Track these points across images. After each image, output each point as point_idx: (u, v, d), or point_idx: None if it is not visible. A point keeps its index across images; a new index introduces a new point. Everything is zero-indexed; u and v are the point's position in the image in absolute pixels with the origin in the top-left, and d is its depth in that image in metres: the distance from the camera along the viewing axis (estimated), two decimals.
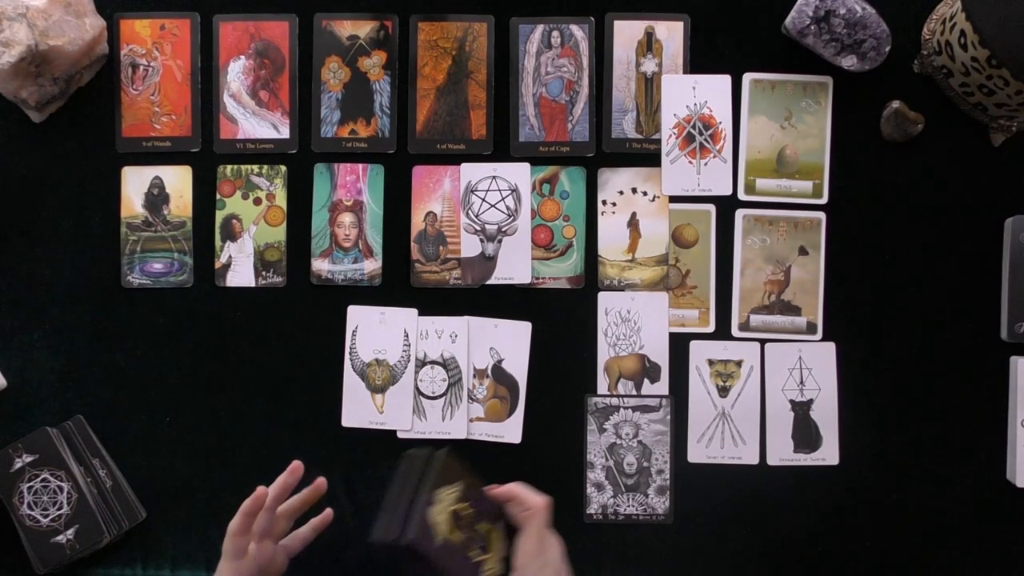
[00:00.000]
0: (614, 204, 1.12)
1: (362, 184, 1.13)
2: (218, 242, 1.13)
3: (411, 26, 1.13)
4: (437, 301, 1.12)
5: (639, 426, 1.07)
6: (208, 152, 1.13)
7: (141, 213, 1.12)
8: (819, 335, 1.11)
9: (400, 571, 0.93)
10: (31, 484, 1.06)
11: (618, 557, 1.04)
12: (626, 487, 1.07)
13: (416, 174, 1.13)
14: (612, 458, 1.07)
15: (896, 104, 1.09)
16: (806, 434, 1.10)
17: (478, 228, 1.12)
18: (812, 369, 1.11)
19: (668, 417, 1.07)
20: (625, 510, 1.07)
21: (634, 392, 1.11)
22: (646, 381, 1.11)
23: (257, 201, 1.13)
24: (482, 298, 1.12)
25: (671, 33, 1.12)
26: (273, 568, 1.01)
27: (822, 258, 1.11)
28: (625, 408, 1.08)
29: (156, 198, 1.13)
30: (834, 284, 1.11)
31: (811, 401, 1.10)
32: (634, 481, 1.07)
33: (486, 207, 1.12)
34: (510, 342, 1.11)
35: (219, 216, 1.13)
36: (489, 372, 1.12)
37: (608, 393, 1.08)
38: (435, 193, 1.13)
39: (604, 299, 1.12)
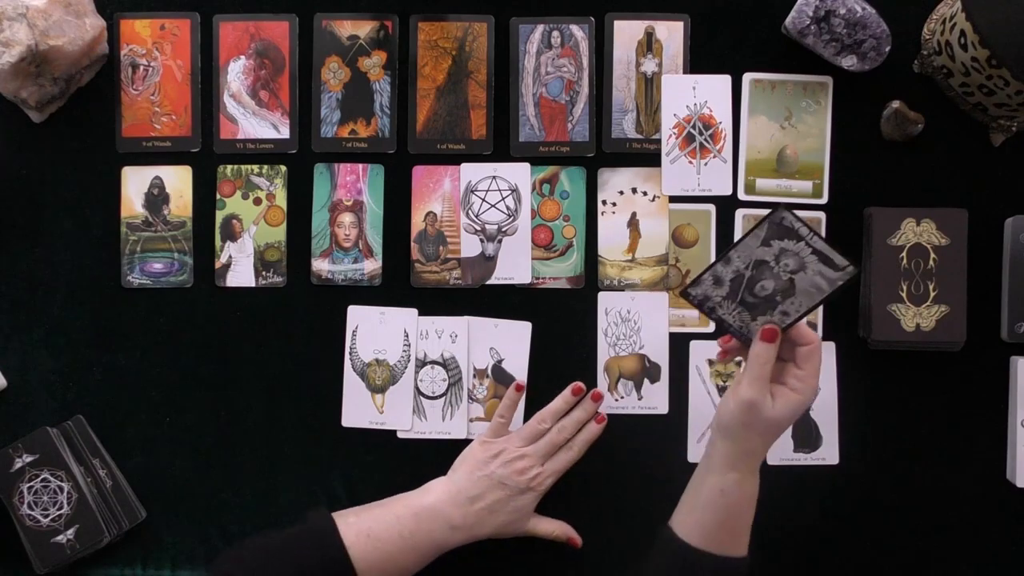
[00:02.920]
0: (614, 204, 1.12)
1: (362, 184, 1.13)
2: (218, 242, 1.13)
3: (411, 26, 1.13)
4: (437, 301, 1.12)
5: (805, 267, 0.94)
6: (208, 152, 1.13)
7: (141, 213, 1.12)
8: (819, 335, 1.11)
9: None
10: (31, 484, 1.06)
11: (618, 557, 1.04)
12: (743, 300, 0.96)
13: (416, 174, 1.13)
14: (750, 271, 0.95)
15: (896, 104, 1.09)
16: (806, 434, 1.10)
17: (478, 228, 1.12)
18: None
19: (839, 283, 0.94)
20: (723, 313, 0.97)
21: (634, 392, 1.11)
22: (646, 381, 1.11)
23: (257, 201, 1.13)
24: (482, 298, 1.12)
25: (671, 33, 1.12)
26: (523, 518, 1.04)
27: None
28: (808, 246, 0.94)
29: (156, 198, 1.13)
30: None
31: None
32: (754, 302, 0.96)
33: (486, 207, 1.12)
34: (510, 342, 1.12)
35: (219, 216, 1.13)
36: (489, 372, 1.12)
37: (805, 223, 0.94)
38: (435, 193, 1.13)
39: (604, 299, 1.12)
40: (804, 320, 0.95)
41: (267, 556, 0.96)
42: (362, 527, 0.98)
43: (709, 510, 0.95)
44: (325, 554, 0.95)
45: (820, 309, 1.10)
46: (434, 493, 1.03)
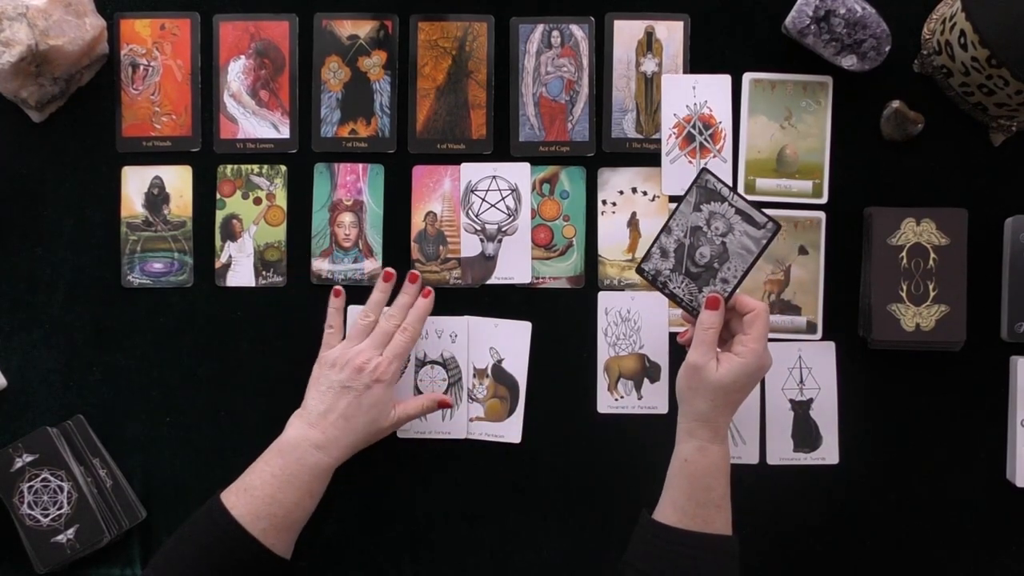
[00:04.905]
0: (614, 204, 1.12)
1: (362, 184, 1.13)
2: (218, 242, 1.13)
3: (411, 26, 1.13)
4: (437, 301, 1.11)
5: (732, 229, 1.01)
6: (208, 152, 1.13)
7: (141, 213, 1.12)
8: (819, 335, 1.11)
9: None
10: (31, 484, 1.06)
11: (617, 556, 1.03)
12: (687, 271, 1.02)
13: (416, 174, 1.13)
14: (689, 239, 1.02)
15: (896, 104, 1.09)
16: (806, 434, 1.11)
17: (478, 228, 1.12)
18: (812, 368, 1.11)
19: (764, 242, 1.01)
20: (674, 288, 1.03)
21: (634, 391, 1.11)
22: (646, 381, 1.11)
23: (257, 201, 1.13)
24: (482, 298, 1.12)
25: (671, 33, 1.12)
26: (384, 410, 1.04)
27: (822, 258, 1.11)
28: (730, 205, 1.01)
29: (156, 198, 1.13)
30: (834, 284, 1.11)
31: (811, 400, 1.11)
32: (697, 272, 1.02)
33: (486, 207, 1.12)
34: (510, 342, 1.12)
35: (219, 216, 1.13)
36: (489, 372, 1.12)
37: (726, 184, 1.01)
38: (435, 193, 1.13)
39: (604, 299, 1.12)
40: (744, 288, 1.01)
41: (171, 547, 0.99)
42: (240, 486, 1.00)
43: (677, 482, 0.98)
44: (213, 521, 0.98)
45: (820, 306, 1.10)
46: (292, 426, 1.03)
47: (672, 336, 1.11)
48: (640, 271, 1.03)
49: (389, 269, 1.08)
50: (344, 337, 1.08)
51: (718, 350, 0.99)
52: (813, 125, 1.11)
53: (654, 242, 1.03)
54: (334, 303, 1.08)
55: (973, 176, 1.11)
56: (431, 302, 1.08)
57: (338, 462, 1.03)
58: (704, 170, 1.01)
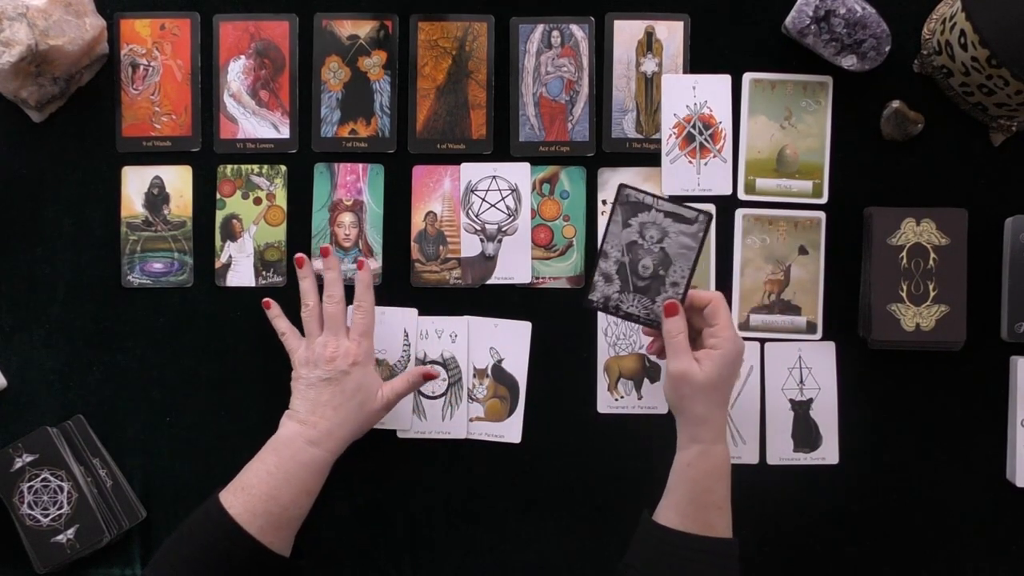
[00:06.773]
0: None
1: (362, 184, 1.13)
2: (218, 242, 1.13)
3: (411, 26, 1.13)
4: (437, 301, 1.12)
5: (667, 233, 1.01)
6: (208, 152, 1.13)
7: (141, 213, 1.12)
8: (819, 335, 1.11)
9: None
10: (31, 484, 1.06)
11: (617, 557, 1.03)
12: (635, 287, 1.02)
13: (416, 174, 1.13)
14: (627, 256, 1.02)
15: (896, 104, 1.09)
16: (806, 433, 1.11)
17: (478, 228, 1.12)
18: (812, 368, 1.11)
19: (700, 235, 1.00)
20: (628, 308, 1.03)
21: (634, 391, 1.11)
22: (646, 381, 1.11)
23: (257, 201, 1.13)
24: (482, 298, 1.12)
25: (671, 33, 1.12)
26: (370, 391, 1.04)
27: (822, 258, 1.11)
28: (657, 211, 1.01)
29: (156, 198, 1.13)
30: (834, 284, 1.11)
31: (811, 400, 1.11)
32: (645, 285, 1.02)
33: (486, 207, 1.12)
34: (510, 342, 1.12)
35: (219, 216, 1.13)
36: (489, 372, 1.12)
37: (647, 192, 1.01)
38: (435, 193, 1.13)
39: None
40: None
41: (170, 547, 0.99)
42: (237, 485, 1.01)
43: (679, 486, 0.98)
44: (211, 520, 0.98)
45: (820, 306, 1.10)
46: (284, 425, 1.04)
47: None
48: (589, 303, 1.03)
49: (300, 255, 1.09)
50: (302, 334, 1.08)
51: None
52: (813, 125, 1.11)
53: (595, 270, 1.02)
54: (270, 313, 1.09)
55: (973, 176, 1.11)
56: (368, 271, 1.08)
57: (334, 456, 1.03)
58: (622, 185, 1.01)
